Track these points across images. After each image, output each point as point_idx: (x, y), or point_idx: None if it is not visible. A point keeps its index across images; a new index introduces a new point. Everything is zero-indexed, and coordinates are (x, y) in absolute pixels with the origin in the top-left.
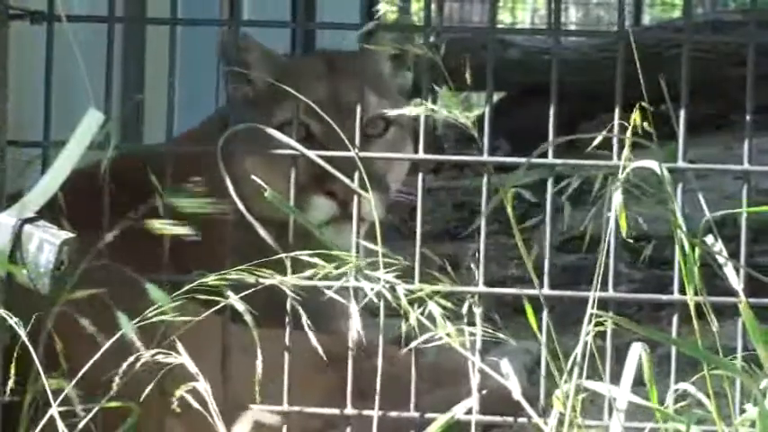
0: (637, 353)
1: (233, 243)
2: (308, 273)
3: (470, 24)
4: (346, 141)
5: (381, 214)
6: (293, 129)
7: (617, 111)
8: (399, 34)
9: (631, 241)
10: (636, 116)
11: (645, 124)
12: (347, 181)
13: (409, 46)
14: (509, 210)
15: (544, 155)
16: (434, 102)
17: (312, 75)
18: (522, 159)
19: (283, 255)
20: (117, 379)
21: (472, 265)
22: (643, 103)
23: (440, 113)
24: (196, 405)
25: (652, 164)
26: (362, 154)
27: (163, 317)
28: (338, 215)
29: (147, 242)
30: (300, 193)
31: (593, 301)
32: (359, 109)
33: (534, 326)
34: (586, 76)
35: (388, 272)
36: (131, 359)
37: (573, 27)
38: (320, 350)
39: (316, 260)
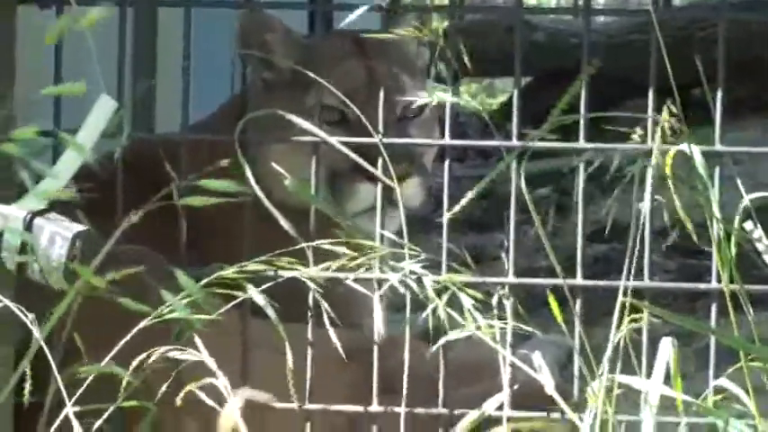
0: (667, 347)
1: (255, 234)
2: (331, 264)
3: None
4: (372, 129)
5: (424, 199)
6: (313, 114)
7: (651, 93)
8: (418, 14)
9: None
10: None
11: (678, 108)
12: (370, 172)
13: (430, 27)
14: (526, 194)
15: (575, 139)
16: (456, 87)
17: (343, 56)
18: (552, 144)
19: (304, 244)
20: (134, 375)
21: (502, 255)
22: (675, 87)
23: (463, 101)
24: (213, 405)
25: (693, 148)
26: (386, 140)
27: (179, 314)
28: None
29: (162, 236)
30: (342, 180)
31: (627, 291)
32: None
33: (563, 318)
34: (614, 59)
35: (414, 262)
36: (146, 355)
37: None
38: (340, 346)
39: (340, 250)
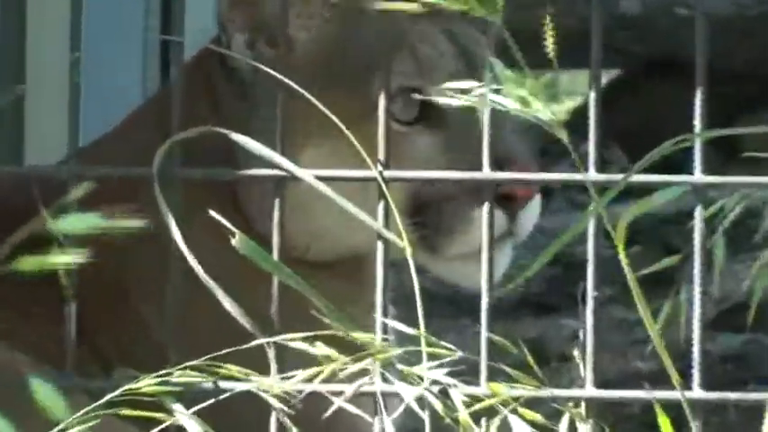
0: None
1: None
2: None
3: None
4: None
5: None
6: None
7: None
8: None
9: None
10: None
11: None
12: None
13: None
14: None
15: (682, 167)
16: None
17: (411, 18)
18: (649, 177)
19: (263, 340)
20: None
21: (575, 353)
22: None
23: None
24: None
25: None
26: (388, 173)
27: None
28: (505, 231)
29: (41, 323)
30: (443, 208)
31: None
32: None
33: None
34: (745, 43)
35: (435, 366)
36: None
37: None
38: None
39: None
